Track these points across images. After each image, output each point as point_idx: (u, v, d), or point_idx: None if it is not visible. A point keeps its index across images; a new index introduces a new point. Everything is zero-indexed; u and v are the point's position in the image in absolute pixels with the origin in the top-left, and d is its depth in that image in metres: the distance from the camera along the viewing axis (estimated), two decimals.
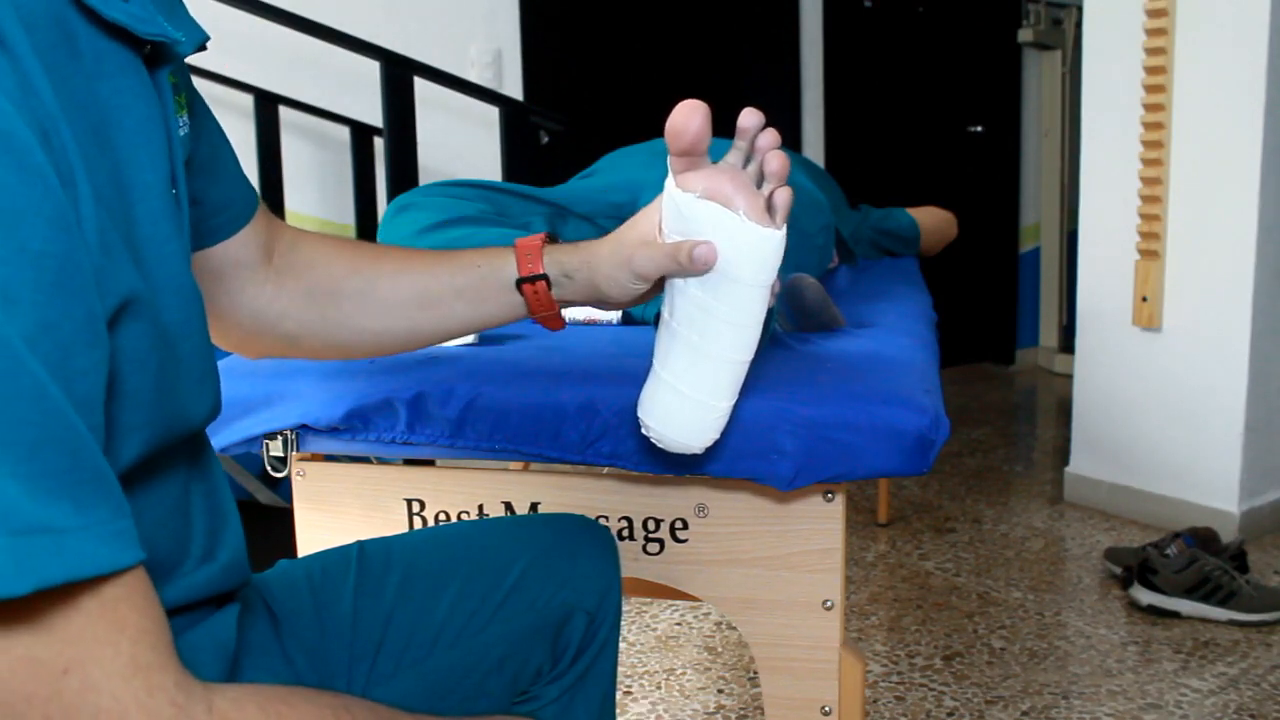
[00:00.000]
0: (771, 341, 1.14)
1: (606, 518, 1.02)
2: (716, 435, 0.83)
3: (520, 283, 0.82)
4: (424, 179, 2.60)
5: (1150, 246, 2.53)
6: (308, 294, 0.83)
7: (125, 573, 0.45)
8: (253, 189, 0.81)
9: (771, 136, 0.77)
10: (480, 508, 1.05)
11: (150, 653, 0.46)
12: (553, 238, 0.85)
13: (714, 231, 0.75)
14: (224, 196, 0.77)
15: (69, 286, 0.44)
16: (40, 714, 0.43)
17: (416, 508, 1.07)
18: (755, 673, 1.80)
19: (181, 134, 0.66)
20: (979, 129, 4.50)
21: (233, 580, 0.67)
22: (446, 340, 0.88)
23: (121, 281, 0.50)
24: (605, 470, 1.02)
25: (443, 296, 0.84)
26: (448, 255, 0.86)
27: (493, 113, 2.84)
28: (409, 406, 1.01)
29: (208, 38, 0.61)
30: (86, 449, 0.44)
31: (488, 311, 0.84)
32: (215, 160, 0.75)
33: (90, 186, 0.48)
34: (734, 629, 2.00)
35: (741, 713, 1.74)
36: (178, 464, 0.63)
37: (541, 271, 0.82)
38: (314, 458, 1.10)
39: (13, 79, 0.44)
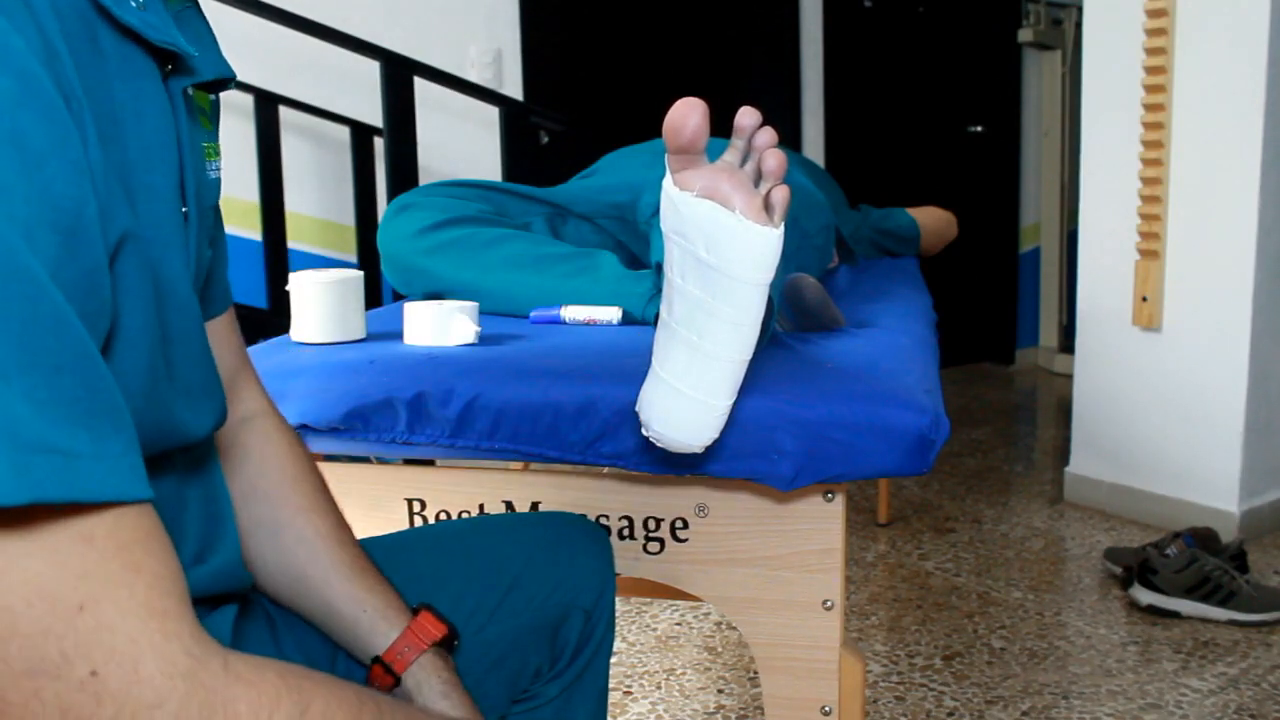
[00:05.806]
0: (771, 341, 1.13)
1: (606, 517, 1.02)
2: (716, 434, 0.84)
3: (375, 661, 0.72)
4: (424, 179, 2.60)
5: (1150, 246, 2.53)
6: (231, 480, 0.73)
7: (140, 517, 0.45)
8: (229, 298, 0.77)
9: (768, 135, 0.77)
10: (481, 507, 1.05)
11: (166, 599, 0.46)
12: (455, 645, 0.75)
13: (711, 229, 0.75)
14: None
15: (82, 236, 0.45)
16: (56, 650, 0.42)
17: (417, 508, 1.07)
18: (755, 673, 1.80)
19: (212, 177, 0.66)
20: (979, 129, 4.50)
21: (226, 585, 0.67)
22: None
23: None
24: (605, 470, 1.02)
25: (317, 585, 0.73)
26: (366, 572, 0.75)
27: (493, 113, 2.84)
28: (409, 406, 1.00)
29: (233, 75, 0.62)
30: (104, 382, 0.44)
31: (333, 630, 0.74)
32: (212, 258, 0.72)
33: (103, 164, 0.48)
34: (734, 629, 2.00)
35: (741, 713, 1.74)
36: (172, 467, 0.63)
37: (399, 675, 0.71)
38: (314, 458, 1.09)
39: (41, 47, 0.45)
